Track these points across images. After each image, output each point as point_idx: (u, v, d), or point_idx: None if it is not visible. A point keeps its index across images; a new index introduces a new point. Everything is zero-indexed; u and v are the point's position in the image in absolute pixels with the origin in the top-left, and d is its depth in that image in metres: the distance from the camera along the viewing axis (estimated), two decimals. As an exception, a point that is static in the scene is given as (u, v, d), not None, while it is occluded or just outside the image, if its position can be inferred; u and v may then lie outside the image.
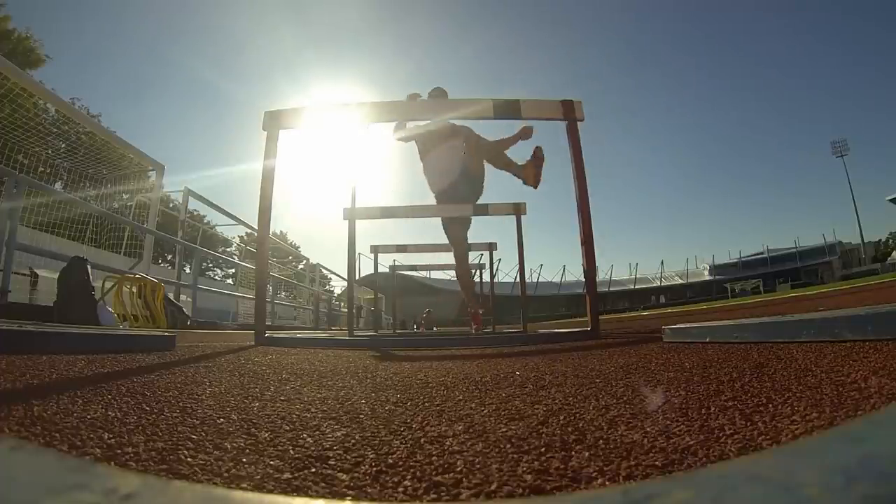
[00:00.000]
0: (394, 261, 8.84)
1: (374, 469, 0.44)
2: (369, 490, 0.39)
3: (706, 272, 61.74)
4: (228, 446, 0.51)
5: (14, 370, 0.97)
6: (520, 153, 3.96)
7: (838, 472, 0.19)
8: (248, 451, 0.50)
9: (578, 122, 2.70)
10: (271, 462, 0.46)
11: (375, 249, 6.43)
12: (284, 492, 0.39)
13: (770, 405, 0.60)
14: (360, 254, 8.89)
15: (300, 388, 0.95)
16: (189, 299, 7.18)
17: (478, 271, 8.01)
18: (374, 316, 8.84)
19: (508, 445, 0.50)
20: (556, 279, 59.52)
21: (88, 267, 4.29)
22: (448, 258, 5.62)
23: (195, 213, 16.32)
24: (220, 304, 10.00)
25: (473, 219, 4.44)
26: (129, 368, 1.15)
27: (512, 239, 5.00)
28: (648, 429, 0.54)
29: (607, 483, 0.39)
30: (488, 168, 4.24)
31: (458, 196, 4.17)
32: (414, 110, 3.31)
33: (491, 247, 6.23)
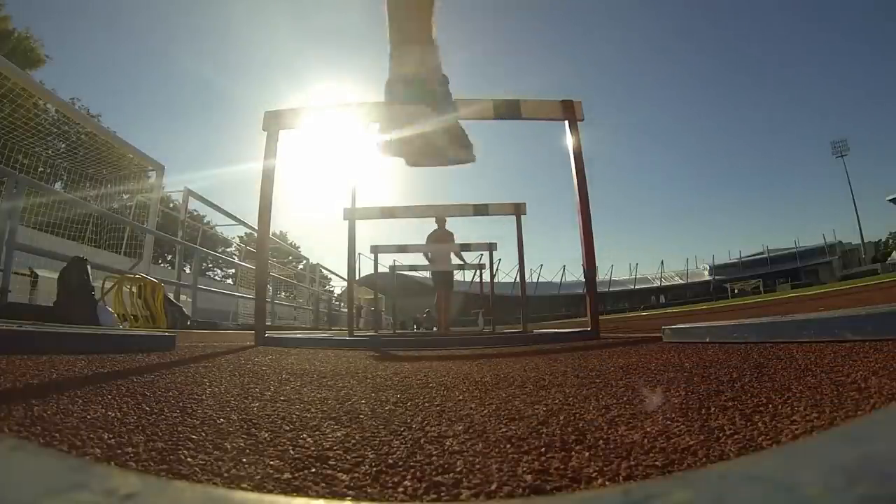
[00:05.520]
0: (394, 261, 8.83)
1: (374, 469, 0.44)
2: (369, 490, 0.39)
3: (706, 272, 61.72)
4: (228, 446, 0.51)
5: (14, 370, 0.97)
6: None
7: (838, 472, 0.19)
8: (248, 451, 0.50)
9: (578, 122, 2.71)
10: (271, 462, 0.46)
11: (375, 249, 6.42)
12: (284, 492, 0.39)
13: (770, 405, 0.60)
14: (360, 254, 8.90)
15: (300, 389, 0.94)
16: (189, 299, 7.18)
17: (478, 271, 8.01)
18: (374, 316, 8.84)
19: (508, 445, 0.50)
20: (556, 279, 59.51)
21: (88, 267, 4.29)
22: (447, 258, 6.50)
23: (195, 213, 16.33)
24: (220, 304, 10.00)
25: (473, 219, 5.15)
26: (129, 368, 1.15)
27: (512, 239, 5.00)
28: (648, 429, 0.54)
29: (607, 483, 0.39)
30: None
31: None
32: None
33: (491, 247, 6.23)
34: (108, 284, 4.95)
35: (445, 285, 7.10)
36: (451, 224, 6.78)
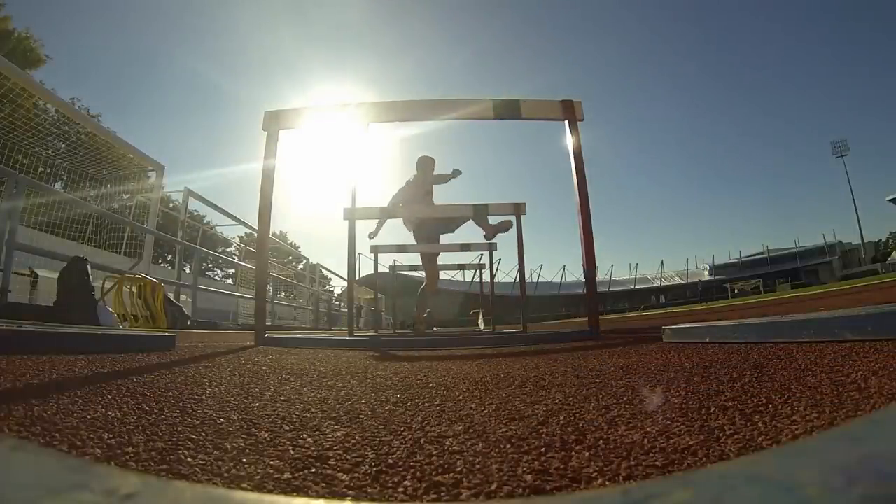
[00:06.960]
0: (394, 261, 8.83)
1: (374, 469, 0.44)
2: (369, 490, 0.39)
3: (706, 272, 61.72)
4: (228, 446, 0.51)
5: (14, 370, 0.97)
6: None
7: (838, 472, 0.19)
8: (248, 451, 0.50)
9: (578, 122, 2.70)
10: (271, 462, 0.46)
11: (375, 249, 6.41)
12: (284, 492, 0.39)
13: (770, 405, 0.60)
14: (360, 254, 8.89)
15: (300, 389, 0.94)
16: (189, 299, 7.18)
17: (478, 271, 8.00)
18: (374, 316, 8.84)
19: (508, 445, 0.50)
20: (556, 279, 59.47)
21: (88, 267, 4.29)
22: (448, 258, 6.20)
23: (195, 213, 16.34)
24: (220, 304, 10.00)
25: (473, 220, 5.05)
26: (129, 368, 1.15)
27: (512, 239, 4.99)
28: (648, 429, 0.54)
29: (607, 483, 0.39)
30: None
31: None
32: (414, 110, 3.30)
33: (491, 247, 6.23)
34: (108, 284, 4.95)
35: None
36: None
